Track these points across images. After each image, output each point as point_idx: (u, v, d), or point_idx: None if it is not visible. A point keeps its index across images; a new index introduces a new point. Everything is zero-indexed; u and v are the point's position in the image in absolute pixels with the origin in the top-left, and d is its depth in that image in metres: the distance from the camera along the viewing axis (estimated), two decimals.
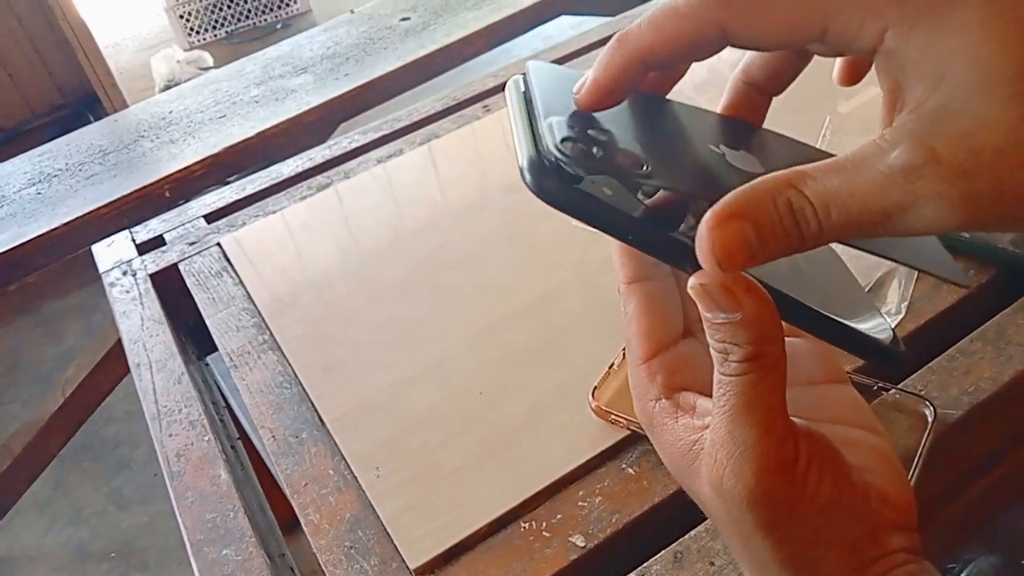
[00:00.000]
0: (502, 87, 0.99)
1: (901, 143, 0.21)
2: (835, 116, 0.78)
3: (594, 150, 0.24)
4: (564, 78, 0.29)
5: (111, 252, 0.84)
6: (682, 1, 0.25)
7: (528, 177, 0.24)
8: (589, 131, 0.25)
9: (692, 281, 0.25)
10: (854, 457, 0.28)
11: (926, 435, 0.47)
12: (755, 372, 0.25)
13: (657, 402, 0.29)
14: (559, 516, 0.49)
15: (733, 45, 0.25)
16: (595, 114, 0.26)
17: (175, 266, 0.79)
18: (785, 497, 0.25)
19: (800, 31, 0.24)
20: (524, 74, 0.29)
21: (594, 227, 0.25)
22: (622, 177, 0.24)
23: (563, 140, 0.24)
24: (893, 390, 0.50)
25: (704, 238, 0.23)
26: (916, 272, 0.58)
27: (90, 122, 2.35)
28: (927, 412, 0.49)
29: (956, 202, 0.21)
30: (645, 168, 0.24)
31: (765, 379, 0.25)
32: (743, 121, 0.31)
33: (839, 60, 0.30)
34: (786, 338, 0.26)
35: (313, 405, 0.60)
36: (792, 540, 0.26)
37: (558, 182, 0.24)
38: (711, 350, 0.26)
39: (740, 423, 0.25)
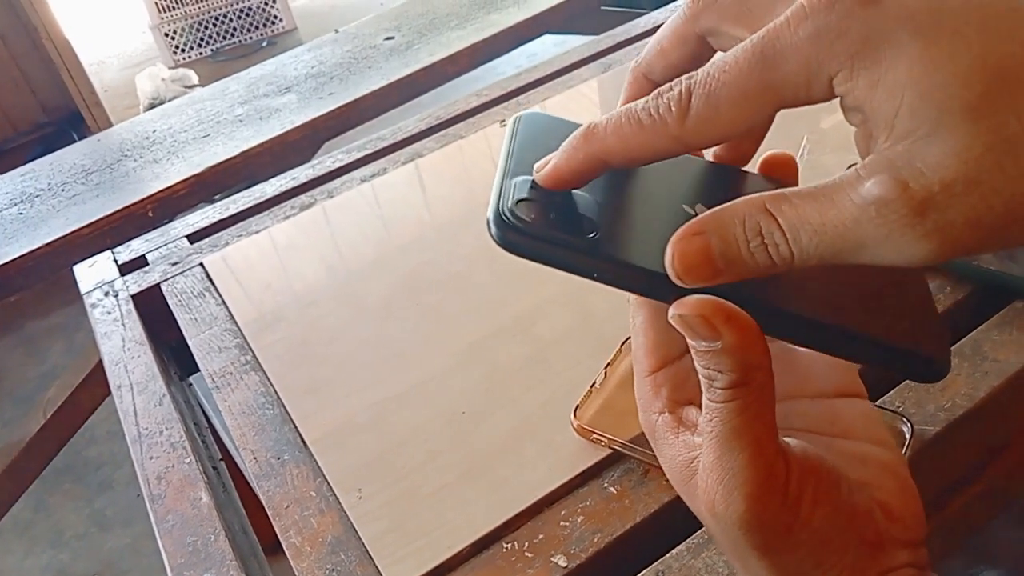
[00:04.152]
0: (486, 106, 1.00)
1: (874, 175, 0.21)
2: (815, 134, 0.79)
3: (551, 215, 0.26)
4: (553, 130, 0.29)
5: (93, 273, 0.84)
6: (644, 114, 0.25)
7: (493, 230, 0.26)
8: (553, 194, 0.26)
9: (671, 311, 0.25)
10: (861, 472, 0.28)
11: (904, 452, 0.48)
12: (741, 399, 0.25)
13: (660, 415, 0.29)
14: (541, 536, 0.49)
15: (695, 152, 0.27)
16: None
17: (157, 287, 0.79)
18: (777, 521, 0.25)
19: (757, 116, 0.24)
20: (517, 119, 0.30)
21: (564, 271, 0.26)
22: (569, 244, 0.25)
23: (519, 201, 0.26)
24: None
25: (667, 251, 0.24)
26: None
27: (74, 140, 2.35)
28: (904, 429, 0.49)
29: (930, 234, 0.21)
30: (593, 235, 0.25)
31: (751, 405, 0.25)
32: (737, 170, 0.30)
33: None
34: (799, 348, 0.26)
35: (295, 426, 0.60)
36: (788, 562, 0.26)
37: (519, 235, 0.25)
38: (699, 376, 0.26)
39: (727, 449, 0.25)
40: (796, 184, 0.29)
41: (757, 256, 0.23)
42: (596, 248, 0.25)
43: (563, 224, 0.26)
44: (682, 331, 0.25)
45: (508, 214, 0.26)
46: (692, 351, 0.25)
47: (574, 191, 0.27)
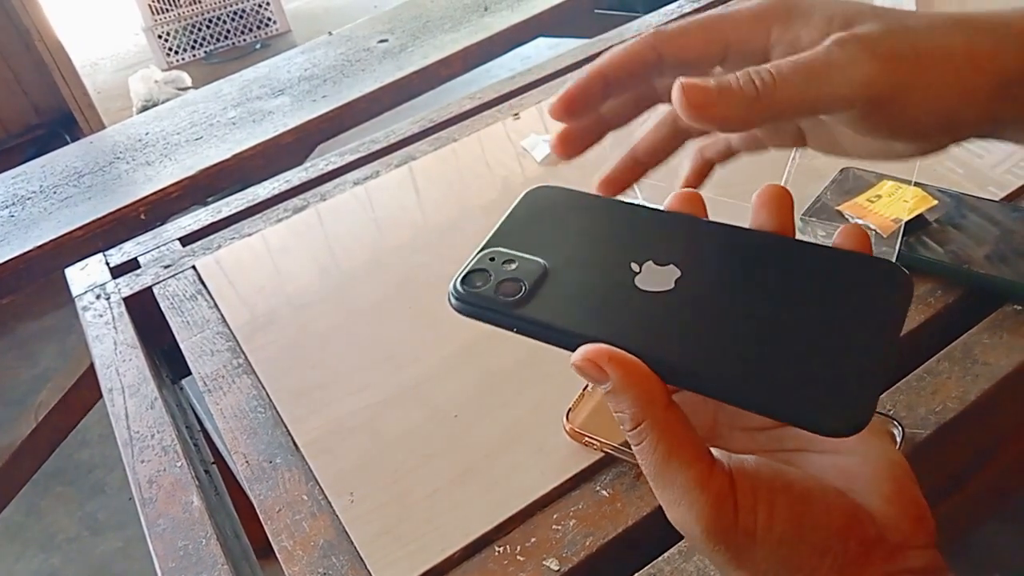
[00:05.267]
0: (479, 109, 1.00)
1: (834, 35, 0.29)
2: None
3: (491, 283, 0.30)
4: (559, 203, 0.33)
5: (84, 276, 0.84)
6: (631, 40, 0.32)
7: (449, 298, 0.30)
8: (505, 263, 0.31)
9: (571, 361, 0.27)
10: (847, 483, 0.28)
11: None
12: (650, 433, 0.26)
13: None
14: (533, 540, 0.49)
15: (666, 65, 0.32)
16: (545, 236, 0.32)
17: (149, 289, 0.79)
18: (736, 534, 0.26)
19: (711, 50, 0.31)
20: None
21: (501, 328, 0.30)
22: (495, 308, 0.29)
23: (471, 272, 0.31)
24: None
25: (675, 89, 0.29)
26: None
27: (66, 142, 2.34)
28: (895, 432, 0.49)
29: (874, 57, 0.28)
30: (520, 294, 0.29)
31: (664, 435, 0.26)
32: (697, 220, 0.31)
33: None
34: None
35: (287, 429, 0.60)
36: (761, 569, 0.27)
37: (463, 303, 0.30)
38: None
39: (662, 482, 0.27)
40: (791, 229, 0.31)
41: (744, 87, 0.28)
42: (514, 311, 0.29)
43: (496, 291, 0.30)
44: (583, 378, 0.27)
45: (459, 284, 0.30)
46: (605, 399, 0.27)
47: (526, 255, 0.31)
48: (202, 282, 0.78)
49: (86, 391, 1.30)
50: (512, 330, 0.29)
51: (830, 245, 0.30)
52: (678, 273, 0.29)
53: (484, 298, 0.30)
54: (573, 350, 0.28)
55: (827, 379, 0.25)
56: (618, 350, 0.27)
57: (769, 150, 0.37)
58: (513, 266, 0.31)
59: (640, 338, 0.27)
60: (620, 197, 0.36)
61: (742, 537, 0.26)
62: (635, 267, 0.30)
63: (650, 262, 0.30)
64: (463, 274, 0.31)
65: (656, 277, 0.29)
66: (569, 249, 0.31)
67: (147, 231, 0.90)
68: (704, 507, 0.26)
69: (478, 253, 0.32)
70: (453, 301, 0.30)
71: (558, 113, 0.33)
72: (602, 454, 0.52)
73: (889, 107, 0.29)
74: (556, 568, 0.47)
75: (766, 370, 0.26)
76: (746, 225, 0.31)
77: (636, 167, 0.37)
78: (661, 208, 0.32)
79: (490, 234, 0.32)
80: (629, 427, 0.27)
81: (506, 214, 0.33)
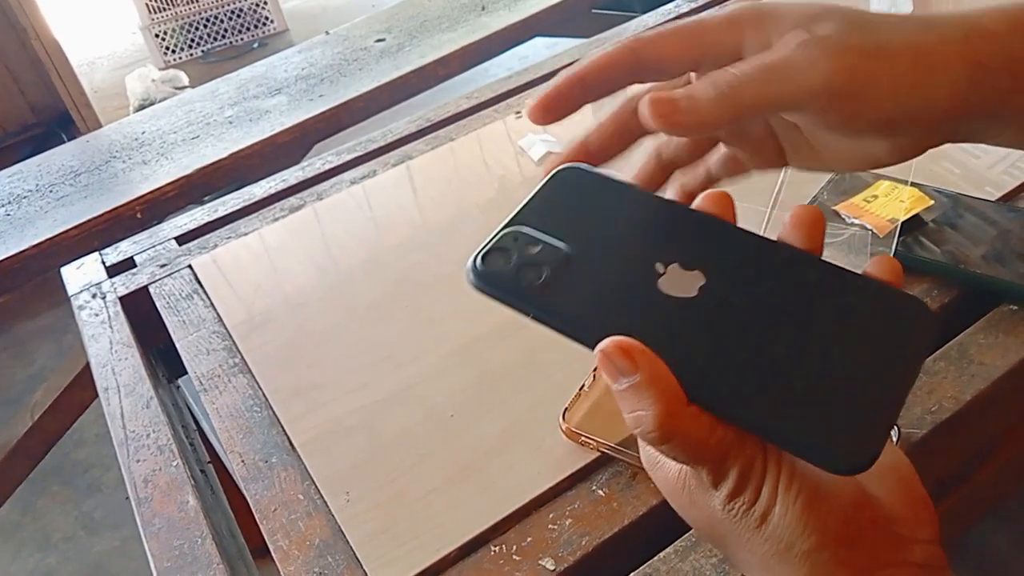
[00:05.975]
0: (477, 108, 1.00)
1: (792, 35, 0.30)
2: None
3: (512, 264, 0.29)
4: (588, 187, 0.32)
5: (80, 275, 0.84)
6: (611, 47, 0.32)
7: (466, 273, 0.30)
8: (528, 244, 0.30)
9: (596, 351, 0.27)
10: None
11: None
12: (679, 429, 0.26)
13: None
14: (529, 539, 0.49)
15: (644, 69, 0.32)
16: (571, 221, 0.31)
17: (145, 289, 0.78)
18: (761, 492, 0.27)
19: (687, 54, 0.31)
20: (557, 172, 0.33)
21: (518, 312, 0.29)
22: (515, 292, 0.29)
23: (491, 250, 0.30)
24: None
25: (642, 101, 0.29)
26: None
27: (63, 141, 2.33)
28: (892, 431, 0.49)
29: (831, 53, 0.29)
30: (540, 281, 0.29)
31: (691, 430, 0.26)
32: (729, 226, 0.31)
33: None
34: None
35: (283, 428, 0.60)
36: (779, 534, 0.27)
37: (481, 280, 0.29)
38: (636, 434, 0.27)
39: (694, 463, 0.27)
40: (819, 250, 0.30)
41: (707, 88, 0.29)
42: (533, 297, 0.29)
43: (517, 273, 0.29)
44: (605, 370, 0.27)
45: (479, 261, 0.29)
46: (618, 399, 0.27)
47: (550, 239, 0.30)
48: (198, 281, 0.78)
49: (82, 390, 1.29)
50: (528, 315, 0.29)
51: (862, 272, 0.29)
52: (702, 280, 0.29)
53: (503, 279, 0.29)
54: (586, 344, 0.27)
55: (837, 417, 0.25)
56: (646, 348, 0.27)
57: (752, 174, 0.37)
58: (536, 249, 0.30)
59: (654, 345, 0.27)
60: None
61: (768, 495, 0.27)
62: (660, 268, 0.29)
63: (676, 264, 0.29)
64: (484, 251, 0.30)
65: (680, 281, 0.29)
66: (595, 238, 0.30)
67: (143, 230, 0.90)
68: (739, 471, 0.27)
69: (501, 230, 0.31)
70: (471, 277, 0.29)
71: (536, 115, 0.33)
72: (598, 453, 0.52)
73: (852, 100, 0.29)
74: (552, 568, 0.47)
75: (775, 399, 0.26)
76: (757, 227, 0.30)
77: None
78: (692, 207, 0.31)
79: (515, 211, 0.31)
80: (651, 426, 0.26)
81: (534, 191, 0.32)
